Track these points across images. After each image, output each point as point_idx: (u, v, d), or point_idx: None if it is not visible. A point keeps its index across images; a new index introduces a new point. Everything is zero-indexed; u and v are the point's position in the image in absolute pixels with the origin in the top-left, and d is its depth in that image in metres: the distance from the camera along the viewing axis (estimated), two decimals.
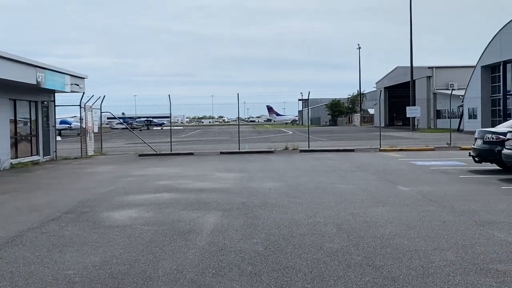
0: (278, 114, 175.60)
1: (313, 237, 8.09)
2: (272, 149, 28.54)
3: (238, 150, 28.22)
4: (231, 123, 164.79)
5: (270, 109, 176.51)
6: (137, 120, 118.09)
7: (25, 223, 9.55)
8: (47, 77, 22.12)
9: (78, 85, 25.51)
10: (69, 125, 75.13)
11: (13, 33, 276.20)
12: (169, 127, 31.95)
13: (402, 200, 11.55)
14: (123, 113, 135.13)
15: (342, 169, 18.64)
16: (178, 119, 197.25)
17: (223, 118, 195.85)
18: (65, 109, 31.98)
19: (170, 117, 32.03)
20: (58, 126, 61.67)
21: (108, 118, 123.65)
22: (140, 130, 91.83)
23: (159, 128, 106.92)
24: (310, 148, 28.49)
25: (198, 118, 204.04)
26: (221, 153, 27.55)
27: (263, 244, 7.68)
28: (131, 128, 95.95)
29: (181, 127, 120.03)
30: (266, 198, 12.17)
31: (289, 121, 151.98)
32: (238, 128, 31.07)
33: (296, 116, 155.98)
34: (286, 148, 29.52)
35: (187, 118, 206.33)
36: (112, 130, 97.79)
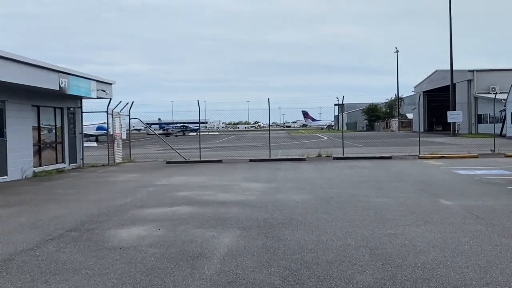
0: (313, 119, 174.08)
1: (341, 265, 6.91)
2: (304, 156, 27.31)
3: (268, 158, 27.10)
4: (266, 128, 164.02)
5: (305, 114, 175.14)
6: (172, 126, 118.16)
7: (20, 243, 8.61)
8: (71, 83, 21.41)
9: (104, 91, 24.79)
10: (105, 131, 74.96)
11: (52, 40, 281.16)
12: (203, 133, 30.97)
13: (445, 217, 10.25)
14: (159, 119, 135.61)
15: (378, 179, 17.34)
16: (214, 124, 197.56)
17: (259, 124, 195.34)
18: (96, 115, 31.45)
19: (199, 122, 30.95)
20: (95, 132, 61.47)
21: (146, 124, 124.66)
22: (176, 136, 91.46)
23: (195, 133, 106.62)
24: (344, 155, 27.17)
25: (234, 123, 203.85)
26: (251, 160, 26.47)
27: (281, 274, 6.53)
28: (167, 134, 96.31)
29: (217, 133, 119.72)
30: (292, 213, 11.01)
31: (325, 126, 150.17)
32: (269, 134, 29.90)
33: (332, 121, 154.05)
34: (319, 155, 28.26)
35: (223, 123, 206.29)
36: (148, 136, 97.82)
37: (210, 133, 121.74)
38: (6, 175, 18.85)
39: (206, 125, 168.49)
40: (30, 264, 7.30)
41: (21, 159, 19.82)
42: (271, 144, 44.76)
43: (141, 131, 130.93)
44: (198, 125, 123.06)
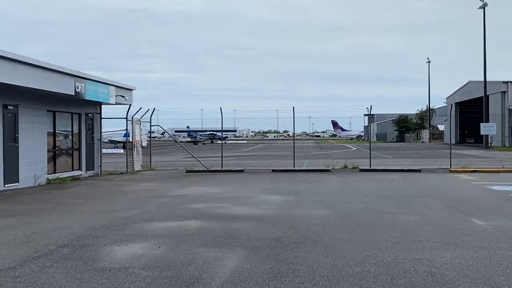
0: (343, 129, 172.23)
1: None
2: (329, 168, 26.27)
3: (291, 168, 26.13)
4: (296, 137, 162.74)
5: (335, 124, 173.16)
6: (201, 133, 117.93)
7: (3, 260, 7.83)
8: (88, 88, 20.80)
9: (124, 96, 24.16)
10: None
11: (85, 49, 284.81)
12: (231, 141, 30.25)
13: (478, 240, 9.19)
14: (187, 127, 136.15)
15: (405, 194, 16.25)
16: (243, 133, 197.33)
17: (288, 133, 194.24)
18: (121, 122, 30.73)
19: (221, 130, 30.11)
20: (121, 139, 61.10)
21: (176, 131, 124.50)
22: (204, 144, 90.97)
23: (223, 142, 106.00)
24: (371, 167, 26.06)
25: (263, 132, 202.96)
26: (273, 170, 25.52)
27: None
28: (195, 142, 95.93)
29: (245, 141, 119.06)
30: (308, 231, 10.06)
31: (355, 137, 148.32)
32: (294, 144, 28.92)
33: (362, 132, 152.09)
34: (345, 167, 27.18)
35: (252, 132, 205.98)
36: (176, 143, 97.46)
37: (238, 141, 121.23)
38: (18, 182, 18.25)
39: (235, 133, 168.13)
40: (4, 286, 6.49)
41: (34, 165, 19.23)
42: (297, 154, 44.03)
43: (169, 138, 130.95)
44: (226, 133, 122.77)
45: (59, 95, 19.73)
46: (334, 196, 15.68)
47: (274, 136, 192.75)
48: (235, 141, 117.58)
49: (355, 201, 14.54)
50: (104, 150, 47.00)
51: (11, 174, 17.89)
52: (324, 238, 9.37)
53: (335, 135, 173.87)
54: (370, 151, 28.30)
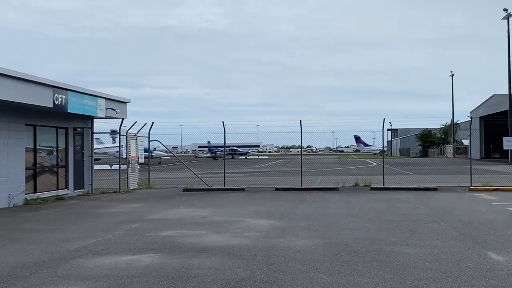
0: (366, 144, 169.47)
1: None
2: (339, 186, 24.23)
3: (297, 186, 24.14)
4: (319, 153, 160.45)
5: (357, 139, 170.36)
6: (222, 149, 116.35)
7: None
8: (71, 99, 19.15)
9: (114, 109, 22.47)
10: (151, 154, 73.47)
11: (110, 65, 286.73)
12: (253, 157, 28.49)
13: (494, 285, 7.17)
14: (208, 142, 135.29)
15: (414, 218, 14.17)
16: (267, 148, 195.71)
17: (311, 148, 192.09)
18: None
19: (224, 146, 28.41)
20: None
21: (199, 147, 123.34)
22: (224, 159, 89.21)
23: (244, 157, 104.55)
24: (384, 186, 23.95)
25: (287, 147, 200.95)
26: (276, 189, 23.56)
27: None
28: (215, 157, 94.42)
29: (267, 157, 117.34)
30: (282, 270, 8.13)
31: (377, 152, 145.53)
32: (301, 159, 26.91)
33: (385, 147, 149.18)
34: (356, 184, 25.13)
35: (275, 147, 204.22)
36: (197, 159, 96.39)
37: (260, 156, 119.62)
38: None
39: (259, 148, 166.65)
40: None
41: (7, 185, 17.58)
42: (315, 170, 42.10)
43: (188, 154, 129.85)
44: (247, 148, 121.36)
45: (38, 108, 18.11)
46: (332, 221, 13.69)
47: (298, 151, 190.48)
48: (257, 157, 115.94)
49: (354, 227, 12.55)
50: (106, 167, 45.69)
51: None
52: (297, 282, 7.43)
53: (358, 150, 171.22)
54: (383, 168, 26.18)
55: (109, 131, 25.45)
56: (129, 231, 12.31)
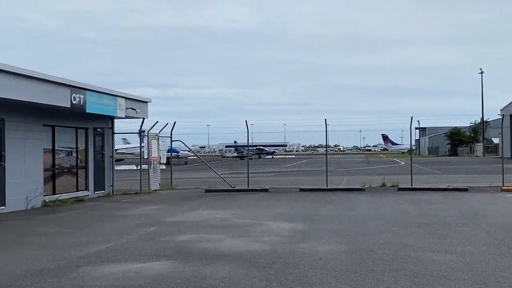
0: (393, 143, 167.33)
1: None
2: (365, 186, 23.49)
3: (322, 187, 23.46)
4: (346, 151, 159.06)
5: (385, 138, 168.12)
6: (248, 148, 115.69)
7: None
8: (89, 99, 18.77)
9: (135, 109, 22.06)
10: (176, 153, 73.34)
11: (138, 66, 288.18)
12: (279, 156, 28.00)
13: None
14: (235, 142, 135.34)
15: (444, 220, 13.42)
16: (294, 147, 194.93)
17: (339, 147, 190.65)
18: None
19: (247, 146, 27.85)
20: (166, 154, 59.44)
21: (226, 146, 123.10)
22: (251, 159, 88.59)
23: (271, 157, 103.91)
24: (412, 186, 23.12)
25: (314, 147, 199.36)
26: (301, 189, 22.90)
27: None
28: (241, 157, 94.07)
29: (294, 156, 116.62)
30: (300, 281, 7.53)
31: (405, 150, 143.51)
32: (326, 159, 26.20)
33: (413, 145, 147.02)
34: (383, 185, 24.35)
35: (302, 146, 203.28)
36: (223, 158, 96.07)
37: (287, 156, 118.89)
38: (4, 205, 16.26)
39: (286, 148, 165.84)
40: None
41: (25, 186, 17.24)
42: (341, 169, 41.24)
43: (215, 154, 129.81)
44: (274, 148, 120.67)
45: (56, 108, 17.78)
46: (357, 224, 13.01)
47: (325, 151, 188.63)
48: (284, 156, 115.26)
49: (380, 231, 11.87)
50: (132, 167, 45.47)
51: None
52: None
53: (386, 149, 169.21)
54: (411, 167, 25.33)
55: (130, 132, 24.98)
56: (144, 235, 11.82)
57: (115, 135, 24.50)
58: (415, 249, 9.78)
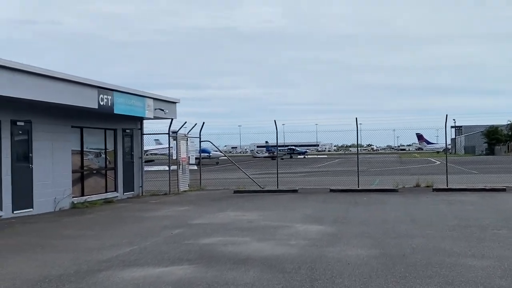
0: (428, 142, 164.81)
1: None
2: (398, 187, 22.89)
3: (353, 187, 22.93)
4: (379, 151, 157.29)
5: (420, 136, 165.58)
6: (279, 149, 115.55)
7: None
8: (117, 100, 18.66)
9: (163, 110, 21.91)
10: (208, 154, 73.30)
11: (170, 67, 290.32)
12: (311, 156, 27.59)
13: None
14: (266, 142, 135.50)
15: (481, 222, 12.85)
16: (326, 147, 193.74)
17: (372, 147, 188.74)
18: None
19: (277, 146, 27.46)
20: (197, 155, 59.79)
21: (257, 147, 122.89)
22: (282, 159, 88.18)
23: (302, 157, 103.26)
24: (448, 186, 22.44)
25: (346, 146, 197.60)
26: (331, 190, 22.40)
27: None
28: (272, 157, 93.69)
29: (325, 156, 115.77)
30: (329, 287, 7.14)
31: (441, 150, 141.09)
32: (357, 158, 25.63)
33: (449, 144, 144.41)
34: (417, 185, 23.70)
35: (334, 146, 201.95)
36: (254, 158, 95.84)
37: (319, 156, 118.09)
38: (32, 207, 16.22)
39: (317, 147, 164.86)
40: None
41: (53, 188, 17.19)
42: (374, 169, 40.52)
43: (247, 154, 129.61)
44: (305, 148, 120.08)
45: (83, 109, 17.70)
46: (389, 227, 12.53)
47: (358, 150, 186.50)
48: (316, 156, 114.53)
49: (413, 234, 11.38)
50: (164, 167, 45.47)
51: (22, 199, 15.85)
52: None
53: (420, 149, 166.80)
54: (446, 167, 24.57)
55: (159, 132, 24.89)
56: (169, 237, 11.56)
57: (147, 136, 24.52)
58: (450, 253, 9.29)
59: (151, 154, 65.07)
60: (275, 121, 24.80)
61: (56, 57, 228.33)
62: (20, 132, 16.04)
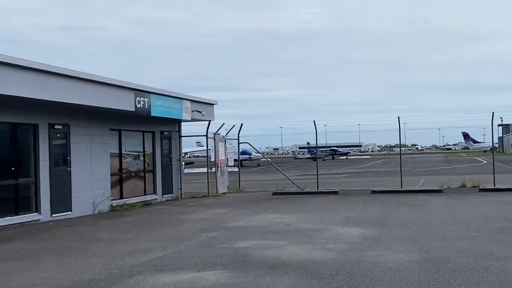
0: (474, 141, 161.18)
1: None
2: (443, 187, 22.17)
3: (397, 188, 22.32)
4: (424, 151, 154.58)
5: (466, 135, 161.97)
6: (321, 149, 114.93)
7: None
8: (154, 103, 18.59)
9: (200, 112, 21.77)
10: (249, 156, 73.07)
11: (212, 70, 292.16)
12: (354, 157, 27.16)
13: None
14: (308, 143, 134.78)
15: None
16: (369, 147, 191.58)
17: (416, 146, 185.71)
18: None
19: (316, 147, 27.00)
20: (239, 156, 59.79)
21: (299, 148, 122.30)
22: (324, 160, 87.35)
23: (344, 157, 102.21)
24: (496, 186, 21.62)
25: (390, 146, 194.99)
26: (373, 191, 21.86)
27: None
28: (314, 158, 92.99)
29: (369, 156, 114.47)
30: None
31: (487, 149, 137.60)
32: (400, 158, 24.93)
33: (496, 143, 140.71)
34: (463, 185, 22.93)
35: (378, 146, 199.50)
36: (295, 160, 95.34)
37: (362, 156, 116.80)
38: (70, 210, 16.25)
39: (360, 148, 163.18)
40: None
41: (92, 191, 17.21)
42: (418, 170, 39.56)
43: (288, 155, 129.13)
44: (348, 148, 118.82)
45: (121, 112, 17.67)
46: (433, 229, 12.00)
47: (403, 150, 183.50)
48: (359, 156, 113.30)
49: (458, 237, 10.84)
50: (203, 170, 45.46)
51: (61, 202, 15.89)
52: None
53: (467, 148, 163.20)
54: (493, 166, 23.69)
55: (197, 134, 24.76)
56: (204, 241, 11.31)
57: (188, 138, 24.55)
58: (498, 257, 8.76)
59: (193, 156, 65.27)
60: (314, 121, 24.45)
61: (98, 61, 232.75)
62: (58, 135, 16.10)
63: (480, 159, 68.17)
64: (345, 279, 7.66)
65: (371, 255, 9.31)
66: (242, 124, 25.49)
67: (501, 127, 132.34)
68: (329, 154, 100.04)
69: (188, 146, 34.24)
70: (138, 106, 17.71)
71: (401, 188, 22.55)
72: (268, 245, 10.62)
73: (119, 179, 19.17)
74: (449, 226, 12.46)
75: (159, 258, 9.57)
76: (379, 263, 8.63)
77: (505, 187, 21.38)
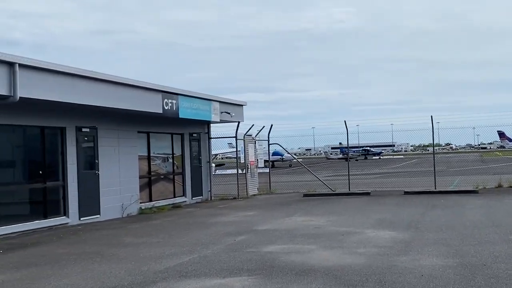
0: (510, 140, 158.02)
1: None
2: (477, 188, 21.55)
3: (429, 189, 21.79)
4: (459, 150, 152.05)
5: (501, 134, 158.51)
6: (354, 149, 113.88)
7: None
8: (182, 104, 18.44)
9: (229, 113, 21.57)
10: (281, 157, 72.68)
11: (245, 71, 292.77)
12: (387, 157, 26.74)
13: None
14: (340, 143, 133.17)
15: None
16: (402, 147, 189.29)
17: (451, 146, 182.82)
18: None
19: (347, 147, 26.55)
20: (271, 158, 59.44)
21: (332, 148, 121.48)
22: (356, 160, 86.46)
23: (377, 157, 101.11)
24: None
25: (423, 146, 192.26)
26: (406, 192, 21.37)
27: None
28: (346, 158, 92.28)
29: (402, 156, 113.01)
30: None
31: None
32: (433, 157, 24.30)
33: None
34: (499, 186, 22.26)
35: (411, 146, 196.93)
36: (328, 160, 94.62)
37: (395, 156, 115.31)
38: (99, 214, 16.20)
39: (393, 148, 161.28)
40: None
41: (120, 194, 17.15)
42: (452, 169, 38.77)
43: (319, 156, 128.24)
44: (380, 148, 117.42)
45: (149, 114, 17.58)
46: (467, 232, 11.56)
47: (437, 149, 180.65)
48: (392, 157, 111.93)
49: (495, 241, 10.39)
50: (233, 171, 45.34)
51: (89, 206, 15.85)
52: None
53: (503, 147, 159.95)
54: None
55: (227, 136, 24.62)
56: (231, 245, 11.08)
57: (220, 139, 24.41)
58: None
59: (225, 157, 65.24)
60: (345, 121, 24.11)
61: (132, 65, 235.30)
62: (86, 138, 16.08)
63: None
64: (376, 286, 7.33)
65: (403, 260, 8.95)
66: (272, 125, 25.28)
67: None
68: (362, 154, 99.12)
69: (220, 148, 34.04)
70: (166, 108, 17.59)
71: (435, 188, 22.02)
72: (296, 249, 10.33)
73: (148, 181, 19.10)
74: (485, 229, 11.99)
75: (185, 263, 9.37)
76: (412, 268, 8.26)
77: None
